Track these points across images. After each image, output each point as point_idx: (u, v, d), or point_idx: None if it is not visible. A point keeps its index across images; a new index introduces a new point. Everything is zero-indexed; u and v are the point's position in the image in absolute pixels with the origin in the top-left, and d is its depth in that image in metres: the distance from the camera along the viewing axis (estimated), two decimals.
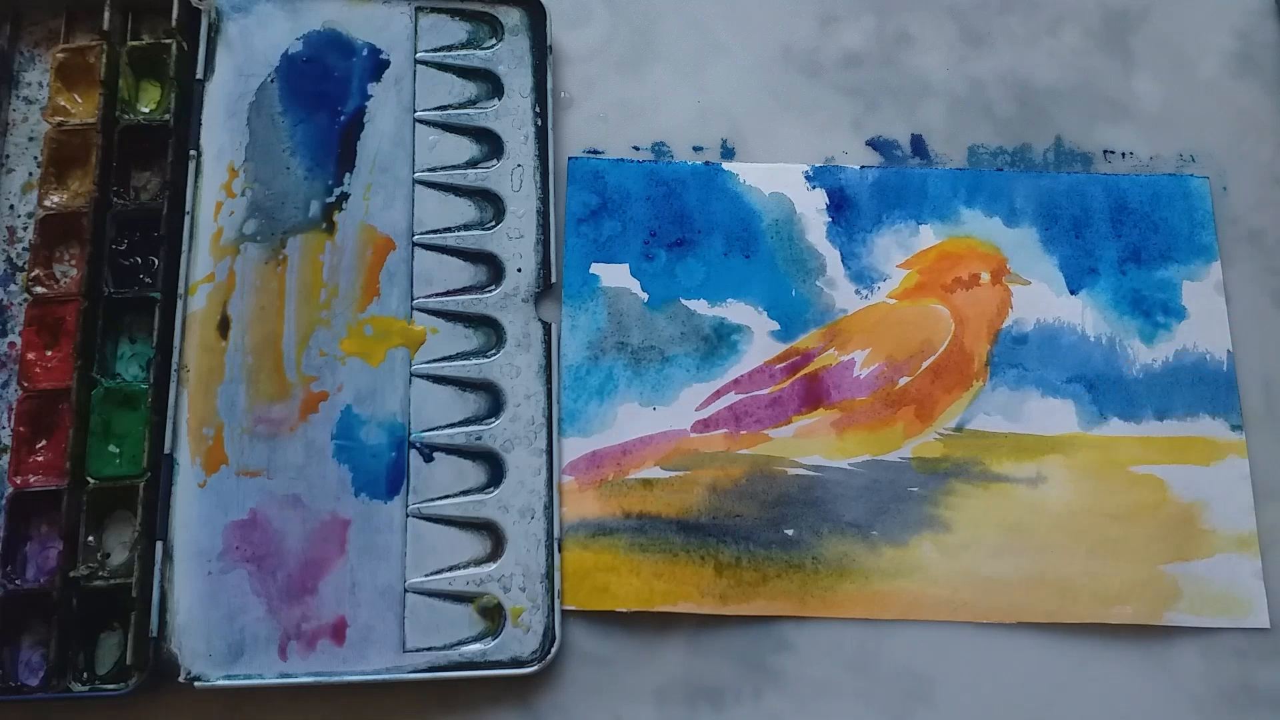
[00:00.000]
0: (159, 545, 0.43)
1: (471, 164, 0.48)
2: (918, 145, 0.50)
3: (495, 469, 0.45)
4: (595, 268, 0.47)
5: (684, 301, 0.47)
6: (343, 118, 0.48)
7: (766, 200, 0.48)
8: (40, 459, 0.44)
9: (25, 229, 0.46)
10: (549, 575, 0.44)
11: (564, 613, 0.44)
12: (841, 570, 0.44)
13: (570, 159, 0.49)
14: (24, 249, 0.46)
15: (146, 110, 0.48)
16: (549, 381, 0.46)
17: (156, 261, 0.46)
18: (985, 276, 0.48)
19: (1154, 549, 0.45)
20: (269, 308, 0.46)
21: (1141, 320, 0.47)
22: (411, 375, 0.45)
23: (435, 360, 0.46)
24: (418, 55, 0.49)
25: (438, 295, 0.46)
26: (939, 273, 0.48)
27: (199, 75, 0.48)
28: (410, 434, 0.45)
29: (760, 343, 0.47)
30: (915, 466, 0.46)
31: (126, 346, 0.46)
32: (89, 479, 0.43)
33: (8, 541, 0.43)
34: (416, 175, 0.48)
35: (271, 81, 0.48)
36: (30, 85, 0.48)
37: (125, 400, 0.44)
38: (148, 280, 0.46)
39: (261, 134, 0.47)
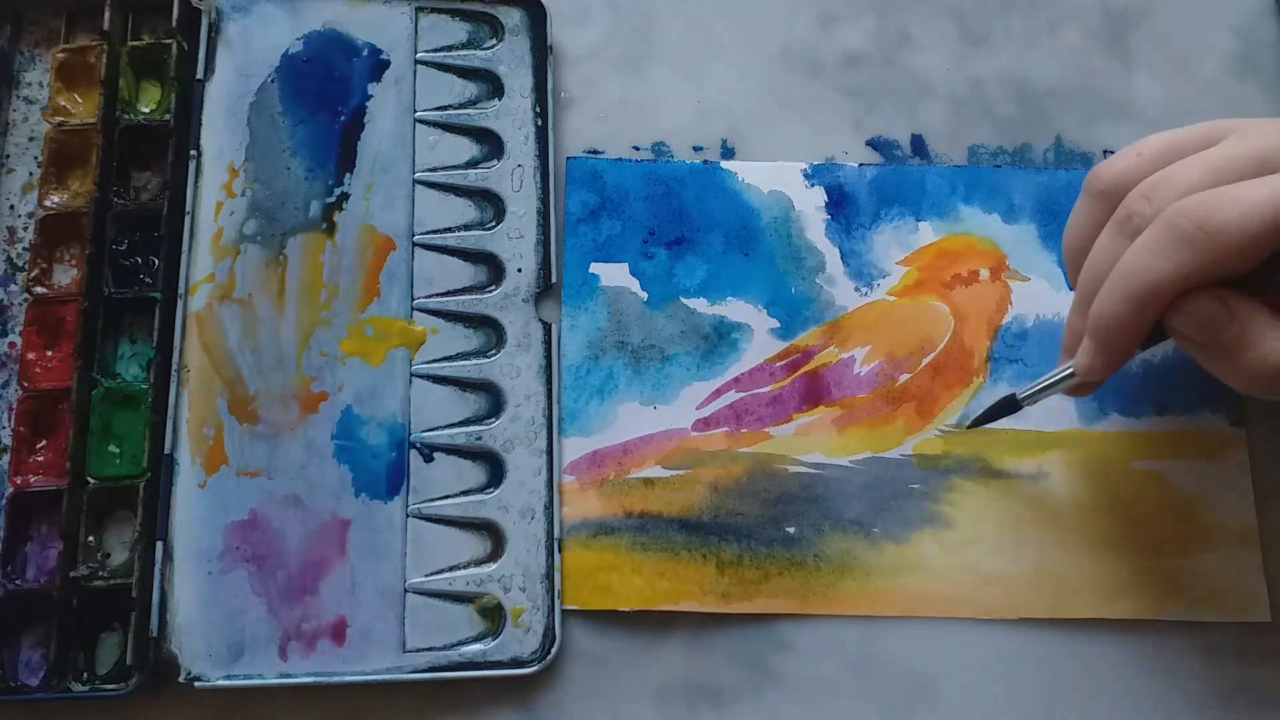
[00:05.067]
0: (159, 545, 0.43)
1: (472, 164, 0.48)
2: (918, 145, 0.50)
3: (495, 469, 0.45)
4: (594, 267, 0.47)
5: (683, 300, 0.47)
6: (343, 118, 0.48)
7: (765, 198, 0.48)
8: (40, 459, 0.44)
9: (25, 229, 0.46)
10: (549, 575, 0.44)
11: (564, 613, 0.44)
12: (843, 567, 0.44)
13: (568, 159, 0.49)
14: (24, 249, 0.46)
15: (146, 110, 0.48)
16: (549, 381, 0.46)
17: (156, 261, 0.46)
18: (984, 273, 0.48)
19: (1155, 544, 0.45)
20: (269, 308, 0.46)
21: None
22: (411, 375, 0.45)
23: (435, 360, 0.46)
24: (418, 55, 0.49)
25: (438, 295, 0.46)
26: (938, 269, 0.48)
27: (199, 75, 0.48)
28: (410, 434, 0.45)
29: (760, 341, 0.47)
30: (916, 463, 0.45)
31: (126, 346, 0.46)
32: (89, 479, 0.43)
33: (8, 541, 0.43)
34: (417, 175, 0.48)
35: (272, 81, 0.48)
36: (30, 85, 0.48)
37: (125, 400, 0.44)
38: (148, 280, 0.46)
39: (262, 134, 0.48)
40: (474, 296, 0.46)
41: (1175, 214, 0.36)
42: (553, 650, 0.43)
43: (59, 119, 0.47)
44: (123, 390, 0.44)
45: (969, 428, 0.45)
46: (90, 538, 0.43)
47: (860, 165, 0.49)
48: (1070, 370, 0.41)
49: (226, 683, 0.42)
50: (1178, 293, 0.37)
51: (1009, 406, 0.43)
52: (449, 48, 0.49)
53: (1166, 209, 0.36)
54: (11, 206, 0.47)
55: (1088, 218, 0.41)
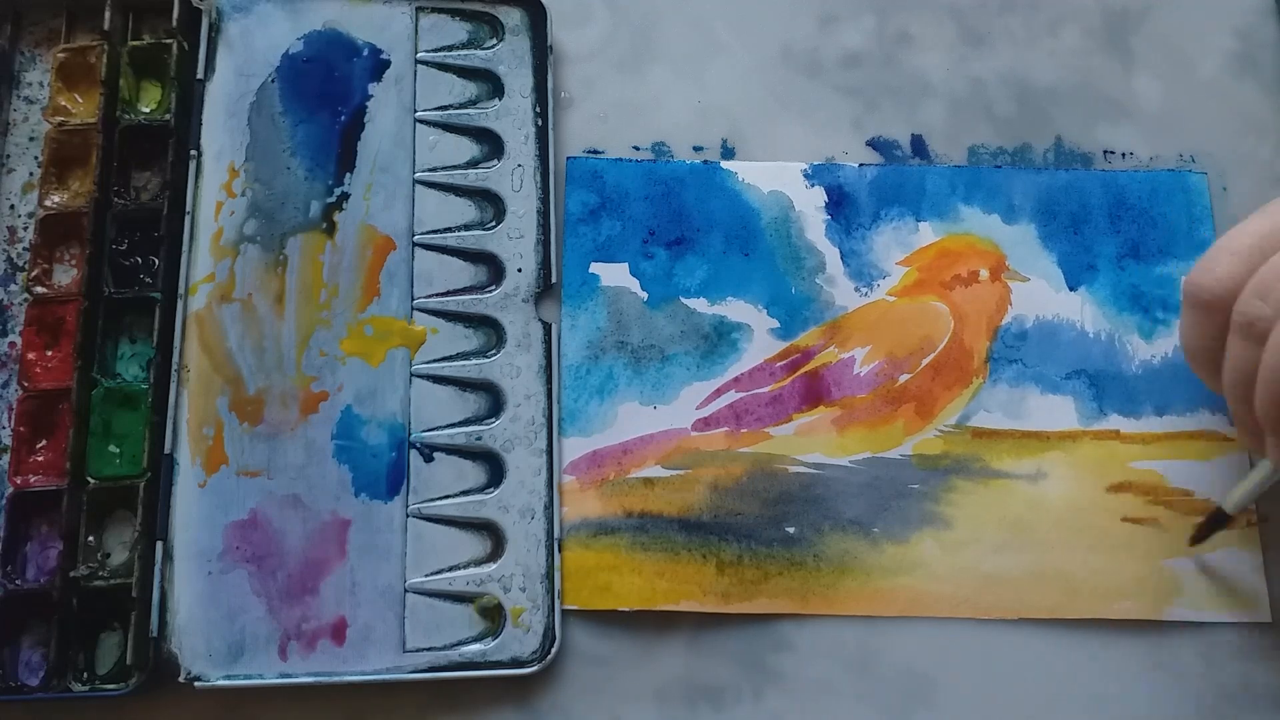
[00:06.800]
0: (159, 545, 0.43)
1: (472, 164, 0.48)
2: (918, 145, 0.50)
3: (495, 469, 0.45)
4: (595, 267, 0.47)
5: (683, 300, 0.47)
6: (343, 118, 0.48)
7: (765, 198, 0.48)
8: (40, 459, 0.44)
9: (25, 229, 0.46)
10: (549, 575, 0.44)
11: (564, 613, 0.44)
12: (843, 567, 0.44)
13: (569, 159, 0.49)
14: (24, 249, 0.46)
15: (147, 110, 0.48)
16: (549, 381, 0.46)
17: (156, 261, 0.46)
18: (984, 273, 0.48)
19: (1154, 544, 0.45)
20: (269, 308, 0.46)
21: (1140, 316, 0.47)
22: (411, 375, 0.45)
23: (435, 360, 0.46)
24: (418, 55, 0.49)
25: (438, 295, 0.46)
26: (938, 270, 0.48)
27: (199, 75, 0.48)
28: (410, 434, 0.45)
29: (760, 341, 0.47)
30: (916, 463, 0.45)
31: (126, 346, 0.46)
32: (89, 479, 0.43)
33: (8, 541, 0.43)
34: (417, 175, 0.48)
35: (272, 81, 0.48)
36: (31, 85, 0.48)
37: (125, 400, 0.44)
38: (148, 280, 0.46)
39: (262, 134, 0.48)
40: (474, 296, 0.47)
41: None
42: (553, 650, 0.43)
43: (59, 119, 0.47)
44: (123, 390, 0.44)
45: (1190, 545, 0.45)
46: (90, 538, 0.43)
47: (860, 165, 0.49)
48: (1269, 468, 0.41)
49: (226, 683, 0.42)
50: None
51: (1220, 518, 0.43)
52: (449, 48, 0.49)
53: None
54: (11, 206, 0.47)
55: (1200, 328, 0.40)
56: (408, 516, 0.44)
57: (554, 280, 0.47)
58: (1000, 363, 0.47)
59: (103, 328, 0.45)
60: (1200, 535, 0.44)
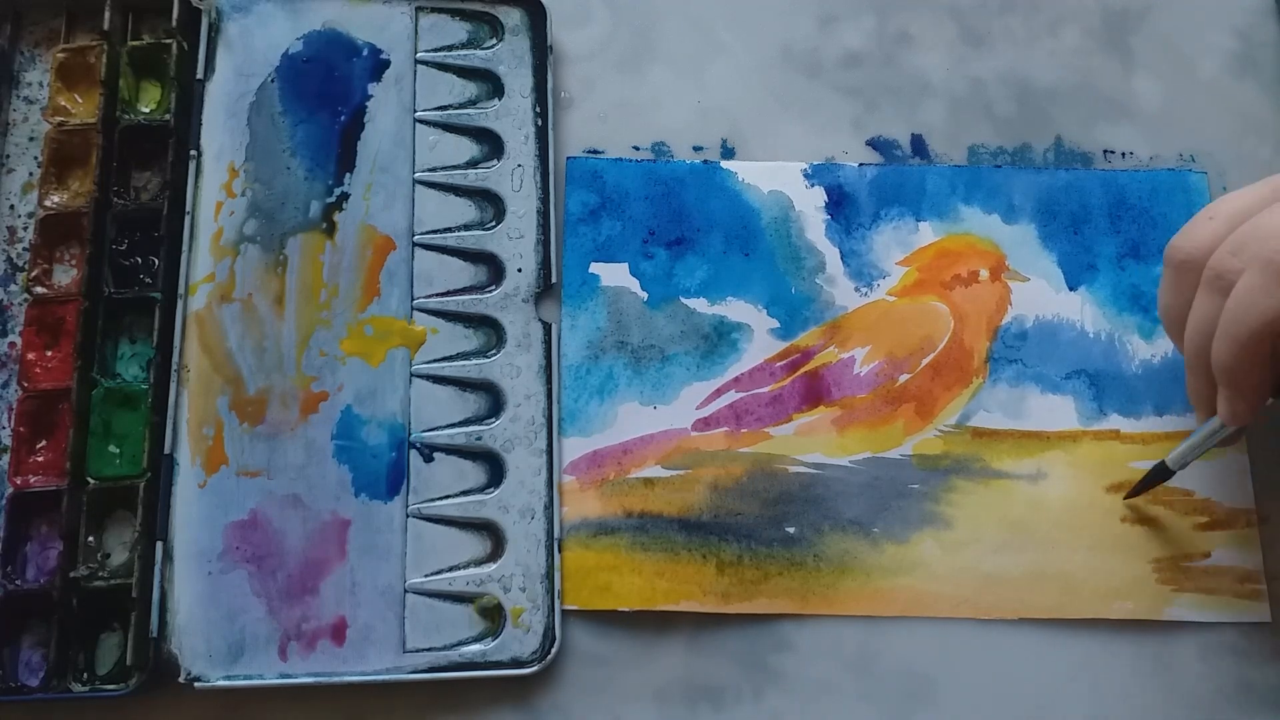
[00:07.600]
0: (159, 545, 0.43)
1: (472, 164, 0.48)
2: (918, 145, 0.50)
3: (495, 469, 0.45)
4: (595, 267, 0.47)
5: (683, 300, 0.47)
6: (343, 118, 0.48)
7: (765, 198, 0.48)
8: (40, 459, 0.44)
9: (25, 229, 0.46)
10: (549, 575, 0.44)
11: (564, 613, 0.44)
12: (843, 567, 0.44)
13: (569, 159, 0.49)
14: (24, 249, 0.46)
15: (146, 110, 0.48)
16: (549, 381, 0.46)
17: (156, 261, 0.46)
18: (984, 273, 0.48)
19: (1155, 544, 0.45)
20: (269, 308, 0.46)
21: (1140, 316, 0.47)
22: (411, 375, 0.45)
23: (435, 360, 0.46)
24: (418, 55, 0.49)
25: (438, 295, 0.46)
26: (938, 270, 0.48)
27: (199, 75, 0.48)
28: (410, 434, 0.45)
29: (760, 341, 0.47)
30: (916, 463, 0.45)
31: (126, 346, 0.46)
32: (89, 479, 0.43)
33: (8, 541, 0.43)
34: (417, 175, 0.48)
35: (272, 81, 0.48)
36: (30, 85, 0.48)
37: (125, 400, 0.44)
38: (148, 280, 0.46)
39: (262, 134, 0.48)
40: (474, 296, 0.47)
41: (1276, 253, 0.37)
42: (553, 650, 0.43)
43: (59, 119, 0.47)
44: (123, 390, 0.44)
45: (1126, 499, 0.45)
46: (90, 538, 0.43)
47: (860, 165, 0.49)
48: (1217, 423, 0.42)
49: (226, 683, 0.42)
50: None
51: (1162, 473, 0.44)
52: (449, 48, 0.49)
53: (1264, 251, 0.37)
54: (11, 206, 0.47)
55: (1177, 288, 0.41)
56: (408, 516, 0.44)
57: (554, 280, 0.47)
58: (1000, 363, 0.47)
59: (103, 328, 0.45)
60: (1139, 489, 0.44)
